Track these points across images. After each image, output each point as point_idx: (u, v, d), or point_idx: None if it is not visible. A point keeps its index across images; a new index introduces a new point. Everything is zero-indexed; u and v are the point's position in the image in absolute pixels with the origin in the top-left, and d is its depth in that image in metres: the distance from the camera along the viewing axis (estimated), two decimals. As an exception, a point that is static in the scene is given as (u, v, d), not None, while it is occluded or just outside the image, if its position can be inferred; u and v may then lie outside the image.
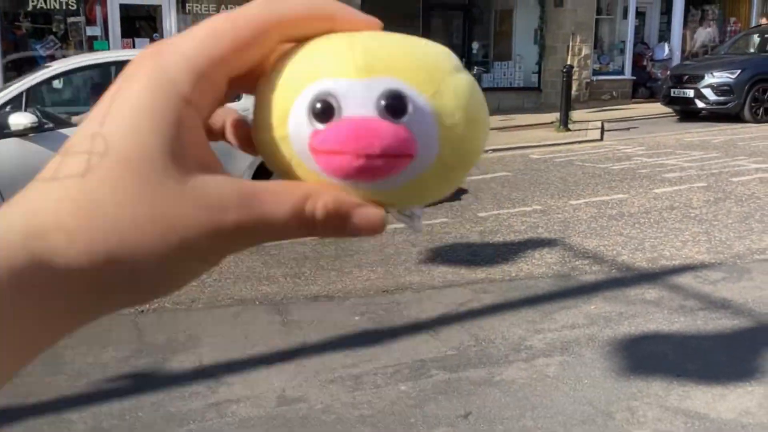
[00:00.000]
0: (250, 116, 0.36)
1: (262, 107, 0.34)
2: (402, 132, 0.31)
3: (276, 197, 0.33)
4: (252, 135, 0.36)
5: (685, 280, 4.74)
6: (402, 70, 0.32)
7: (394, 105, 0.31)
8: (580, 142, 11.22)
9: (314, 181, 0.34)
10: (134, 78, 0.33)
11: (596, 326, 4.02)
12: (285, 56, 0.34)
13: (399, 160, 0.32)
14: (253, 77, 0.36)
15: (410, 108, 0.32)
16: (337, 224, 0.33)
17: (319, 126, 0.32)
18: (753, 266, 4.98)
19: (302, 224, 0.33)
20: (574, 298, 4.51)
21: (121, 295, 0.32)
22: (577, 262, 5.20)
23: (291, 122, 0.33)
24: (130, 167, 0.31)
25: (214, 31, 0.34)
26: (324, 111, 0.32)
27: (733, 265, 5.01)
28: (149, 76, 0.32)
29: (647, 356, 3.69)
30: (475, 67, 15.63)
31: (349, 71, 0.32)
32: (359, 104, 0.31)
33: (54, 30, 11.83)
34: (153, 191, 0.31)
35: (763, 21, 16.69)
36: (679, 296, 4.45)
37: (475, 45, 15.88)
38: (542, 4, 15.97)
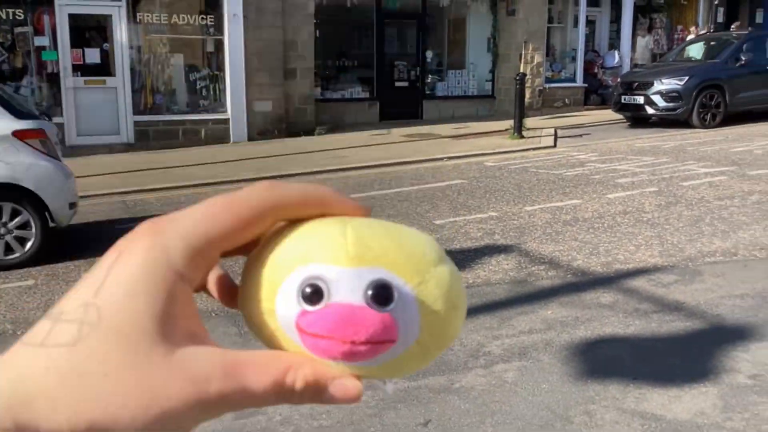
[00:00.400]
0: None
1: (252, 279, 0.36)
2: (387, 320, 0.33)
3: (258, 369, 0.34)
4: (238, 299, 0.38)
5: (639, 283, 4.81)
6: (390, 261, 0.34)
7: (381, 294, 0.33)
8: (534, 149, 11.35)
9: (296, 351, 0.35)
10: (131, 252, 0.34)
11: (553, 331, 4.06)
12: (278, 233, 0.36)
13: (382, 345, 0.34)
14: (245, 247, 0.38)
15: (396, 298, 0.34)
16: (314, 394, 0.35)
17: (308, 307, 0.34)
18: (704, 269, 5.08)
19: (281, 394, 0.34)
20: (531, 303, 4.54)
21: None
22: (533, 268, 5.25)
23: (279, 298, 0.35)
24: (121, 339, 0.32)
25: (212, 213, 0.35)
26: (313, 294, 0.34)
27: (685, 268, 5.11)
28: (146, 252, 0.34)
29: (604, 360, 3.73)
30: (430, 76, 15.72)
31: (340, 259, 0.34)
32: (348, 291, 0.33)
33: (1, 41, 11.59)
34: (141, 363, 0.32)
35: (733, 27, 17.03)
36: (633, 300, 4.51)
37: (429, 54, 15.96)
38: (494, 12, 16.14)
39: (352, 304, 0.33)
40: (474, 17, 16.37)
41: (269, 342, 0.36)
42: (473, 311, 4.41)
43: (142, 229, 0.35)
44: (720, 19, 19.00)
